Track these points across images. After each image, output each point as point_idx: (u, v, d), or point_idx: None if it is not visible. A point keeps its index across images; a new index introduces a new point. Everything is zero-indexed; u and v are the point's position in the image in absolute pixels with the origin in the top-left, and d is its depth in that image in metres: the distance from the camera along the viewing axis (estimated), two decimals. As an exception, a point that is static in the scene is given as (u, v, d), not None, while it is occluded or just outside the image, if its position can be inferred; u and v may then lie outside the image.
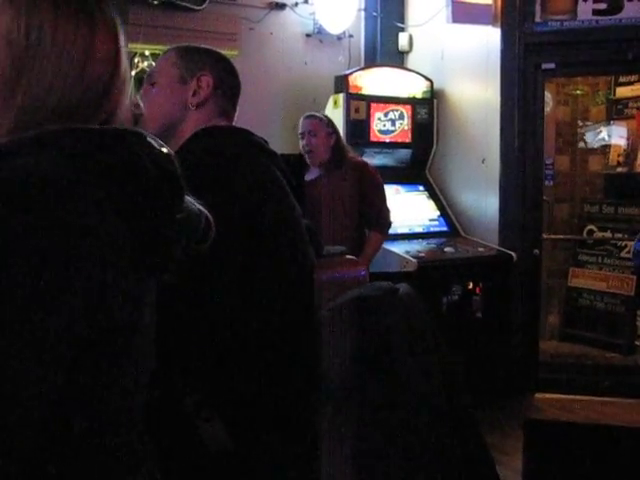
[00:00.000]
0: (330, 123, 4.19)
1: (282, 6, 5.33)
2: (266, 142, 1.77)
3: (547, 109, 5.49)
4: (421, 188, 5.46)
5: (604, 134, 6.16)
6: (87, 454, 0.95)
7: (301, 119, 4.20)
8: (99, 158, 0.92)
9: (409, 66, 5.67)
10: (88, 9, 1.01)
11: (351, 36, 5.57)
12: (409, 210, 5.23)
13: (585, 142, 6.31)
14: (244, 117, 1.87)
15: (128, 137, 0.97)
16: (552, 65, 4.88)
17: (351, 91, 5.11)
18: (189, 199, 1.07)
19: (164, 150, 1.02)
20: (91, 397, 0.93)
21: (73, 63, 0.97)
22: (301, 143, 4.16)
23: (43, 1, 0.97)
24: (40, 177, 0.86)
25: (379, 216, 4.18)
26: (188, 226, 1.05)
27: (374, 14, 5.64)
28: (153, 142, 1.01)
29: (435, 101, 5.47)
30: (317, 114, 4.28)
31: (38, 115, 0.96)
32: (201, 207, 1.09)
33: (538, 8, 4.73)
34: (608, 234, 5.75)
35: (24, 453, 0.84)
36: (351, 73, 5.18)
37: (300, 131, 4.16)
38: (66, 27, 0.97)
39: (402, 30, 5.72)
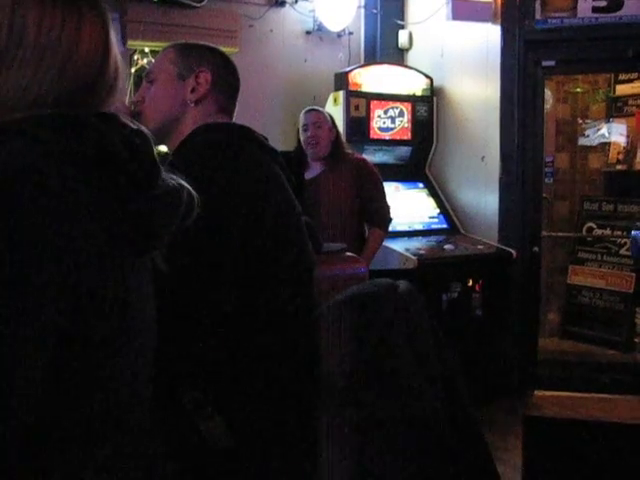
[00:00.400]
0: (330, 118, 4.20)
1: (282, 3, 5.33)
2: (266, 139, 1.77)
3: (547, 107, 5.49)
4: (421, 185, 5.46)
5: (604, 132, 6.16)
6: (81, 446, 0.95)
7: (302, 113, 4.20)
8: (66, 141, 0.92)
9: (409, 63, 5.67)
10: (75, 7, 1.01)
11: (351, 33, 5.57)
12: (409, 207, 5.23)
13: (585, 136, 6.30)
14: (244, 114, 1.87)
15: (96, 119, 0.98)
16: (552, 62, 4.88)
17: (351, 88, 5.11)
18: (169, 175, 1.07)
19: (137, 129, 1.02)
20: (82, 387, 0.94)
21: (56, 58, 0.98)
22: (304, 136, 4.14)
23: None
24: (6, 164, 0.86)
25: (379, 212, 4.18)
26: (168, 202, 1.05)
27: (374, 11, 5.64)
28: (126, 122, 1.02)
29: (435, 98, 5.47)
30: (318, 108, 4.29)
31: (18, 106, 0.96)
32: (182, 182, 1.09)
33: (538, 5, 4.73)
34: (607, 231, 5.75)
35: (8, 447, 0.84)
36: (351, 70, 5.18)
37: (303, 123, 4.15)
38: (51, 23, 0.98)
39: (402, 27, 5.72)
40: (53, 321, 0.87)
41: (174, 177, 1.08)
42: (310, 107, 4.28)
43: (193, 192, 1.11)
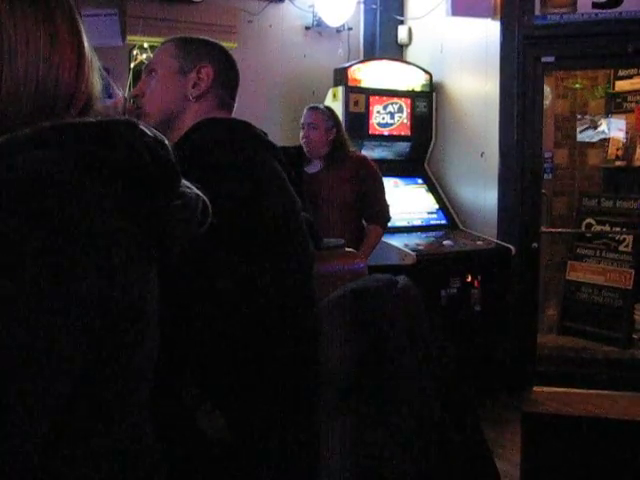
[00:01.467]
0: (332, 117, 4.18)
1: (281, -1, 5.33)
2: (265, 134, 1.77)
3: (546, 102, 5.49)
4: (420, 181, 5.46)
5: (603, 128, 6.16)
6: (91, 444, 0.95)
7: (305, 109, 4.20)
8: (98, 153, 0.92)
9: (408, 59, 5.67)
10: (46, 13, 1.00)
11: (350, 29, 5.56)
12: (408, 203, 5.23)
13: (580, 133, 6.30)
14: (243, 109, 1.87)
15: (122, 128, 0.97)
16: (551, 58, 4.87)
17: (350, 84, 5.10)
18: (185, 184, 1.07)
19: (157, 137, 1.02)
20: (97, 387, 0.94)
21: (28, 67, 0.97)
22: (301, 134, 4.16)
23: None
24: (39, 176, 0.86)
25: (379, 210, 4.19)
26: (186, 211, 1.05)
27: (373, 7, 5.63)
28: (146, 130, 1.01)
29: (434, 94, 5.47)
30: (320, 106, 4.28)
31: (19, 115, 0.96)
32: (197, 191, 1.09)
33: (538, 1, 4.73)
34: (606, 227, 5.75)
35: (33, 440, 0.84)
36: (350, 66, 5.17)
37: (301, 122, 4.18)
38: (22, 32, 0.97)
39: (401, 23, 5.71)
40: (81, 335, 0.86)
41: (190, 185, 1.08)
42: (313, 105, 4.28)
43: (207, 202, 1.10)
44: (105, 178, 0.91)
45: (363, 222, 4.25)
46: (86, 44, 1.05)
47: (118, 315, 0.92)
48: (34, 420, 0.81)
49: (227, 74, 1.79)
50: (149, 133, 1.00)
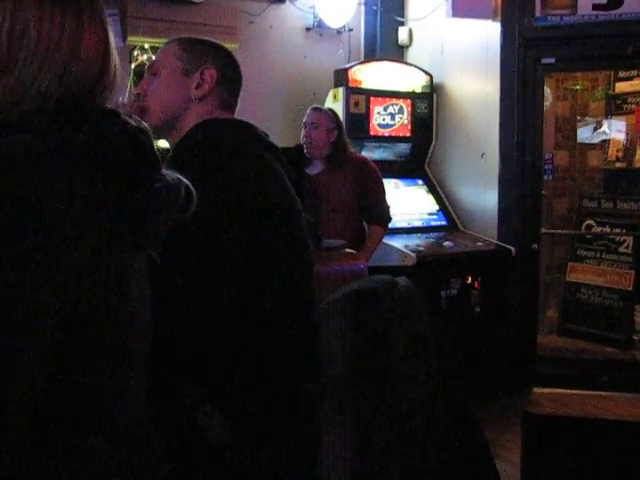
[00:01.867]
0: (335, 118, 4.19)
1: (282, 0, 5.32)
2: (266, 135, 1.77)
3: (546, 104, 5.49)
4: (420, 182, 5.46)
5: (603, 129, 6.16)
6: (76, 438, 0.95)
7: (308, 109, 4.21)
8: (68, 136, 0.93)
9: (409, 60, 5.67)
10: (75, 9, 1.01)
11: (351, 30, 5.56)
12: (408, 204, 5.23)
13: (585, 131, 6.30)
14: (243, 110, 1.87)
15: (97, 115, 0.99)
16: (552, 60, 4.87)
17: (351, 85, 5.11)
18: (167, 171, 1.08)
19: (140, 126, 1.03)
20: (79, 378, 0.94)
21: (58, 58, 0.99)
22: (302, 133, 4.17)
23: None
24: (9, 159, 0.87)
25: (379, 211, 4.20)
26: (166, 197, 1.05)
27: (374, 8, 5.64)
28: (127, 119, 1.02)
29: (435, 95, 5.47)
30: (323, 108, 4.30)
31: (20, 105, 0.97)
32: (180, 177, 1.10)
33: (538, 3, 4.73)
34: (607, 229, 5.75)
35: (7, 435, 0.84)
36: (351, 67, 5.18)
37: (303, 122, 4.18)
38: (51, 23, 0.98)
39: (402, 24, 5.71)
40: (53, 316, 0.87)
41: (171, 172, 1.09)
42: (316, 105, 4.29)
43: (191, 187, 1.11)
44: (75, 159, 0.92)
45: (364, 223, 4.26)
46: (111, 41, 1.07)
47: (91, 309, 0.92)
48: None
49: (230, 76, 1.79)
50: (130, 122, 1.02)
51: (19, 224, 0.84)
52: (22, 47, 0.97)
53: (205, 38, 1.82)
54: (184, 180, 1.10)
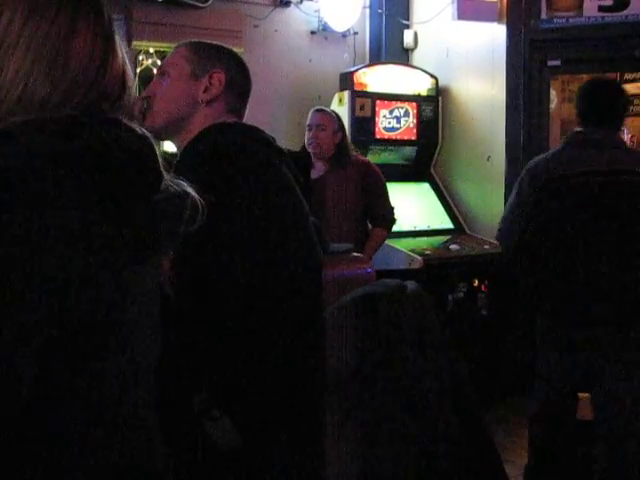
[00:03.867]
0: (339, 120, 4.20)
1: (287, 3, 5.32)
2: (274, 139, 1.77)
3: (552, 106, 5.47)
4: (426, 185, 5.45)
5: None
6: (68, 449, 0.94)
7: (311, 112, 4.20)
8: (55, 144, 0.91)
9: (414, 63, 5.66)
10: (70, 12, 1.00)
11: (356, 33, 5.56)
12: (414, 207, 5.23)
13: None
14: (248, 114, 1.86)
15: (93, 123, 0.97)
16: (558, 62, 4.87)
17: (356, 88, 5.10)
18: (174, 181, 1.06)
19: (138, 133, 1.01)
20: (69, 394, 0.93)
21: (41, 61, 0.97)
22: (307, 135, 4.15)
23: None
24: (1, 172, 0.86)
25: (383, 213, 4.19)
26: (170, 208, 1.04)
27: (379, 11, 5.63)
28: (133, 127, 1.01)
29: (440, 98, 5.46)
30: (328, 109, 4.29)
31: (2, 106, 0.96)
32: (188, 189, 1.08)
33: (544, 5, 4.72)
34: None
35: None
36: (356, 70, 5.17)
37: (308, 123, 4.16)
38: (38, 26, 0.97)
39: (407, 27, 5.71)
40: (39, 323, 0.86)
41: (179, 183, 1.07)
42: (319, 107, 4.28)
43: (198, 199, 1.09)
44: (68, 170, 0.90)
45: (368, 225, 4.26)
46: (117, 45, 1.06)
47: (80, 322, 0.91)
48: None
49: (239, 82, 1.79)
50: (137, 131, 1.00)
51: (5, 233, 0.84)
52: (3, 45, 0.96)
53: (216, 43, 1.83)
54: (191, 192, 1.08)
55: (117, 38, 1.08)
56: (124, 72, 1.07)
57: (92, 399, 0.96)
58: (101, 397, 0.97)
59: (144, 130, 1.03)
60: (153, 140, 1.03)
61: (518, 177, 3.13)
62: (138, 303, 1.02)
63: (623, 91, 3.25)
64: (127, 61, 1.09)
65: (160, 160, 1.02)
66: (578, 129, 3.00)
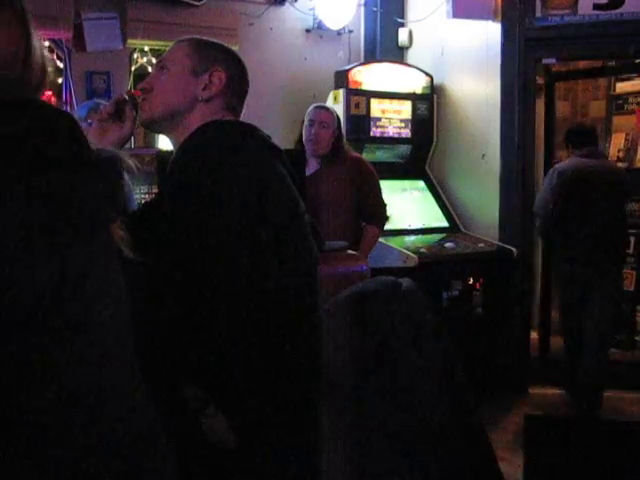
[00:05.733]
0: (337, 118, 4.19)
1: (281, 1, 5.32)
2: (270, 138, 1.77)
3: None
4: (421, 183, 5.46)
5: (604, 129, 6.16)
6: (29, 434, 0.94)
7: (311, 107, 4.14)
8: None
9: (409, 61, 5.67)
10: None
11: (351, 31, 5.57)
12: (409, 205, 5.23)
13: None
14: (244, 112, 1.87)
15: (10, 104, 0.97)
16: (552, 60, 4.88)
17: (351, 86, 5.11)
18: (105, 150, 1.06)
19: (62, 112, 1.02)
20: (25, 378, 0.93)
21: None
22: (307, 131, 4.10)
23: None
24: None
25: (375, 210, 4.17)
26: (100, 175, 1.03)
27: (374, 9, 5.64)
28: (46, 104, 1.02)
29: (435, 96, 5.47)
30: (328, 106, 4.26)
31: None
32: (113, 151, 1.09)
33: (538, 3, 4.73)
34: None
35: None
36: (351, 68, 5.17)
37: (310, 119, 4.10)
38: None
39: (402, 25, 5.71)
40: None
41: (110, 150, 1.07)
42: (320, 104, 4.25)
43: (133, 161, 1.10)
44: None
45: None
46: (34, 34, 1.07)
47: (30, 304, 0.90)
48: None
49: (238, 81, 1.80)
50: (53, 106, 1.01)
51: None
52: None
53: (217, 41, 1.83)
54: (117, 153, 1.09)
55: (32, 25, 1.08)
56: (42, 56, 1.08)
57: (67, 377, 0.95)
58: (75, 374, 0.96)
59: (60, 108, 1.05)
60: (71, 114, 1.04)
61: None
62: (95, 277, 1.00)
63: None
64: (42, 44, 1.09)
65: (83, 131, 1.02)
66: (577, 151, 4.51)
